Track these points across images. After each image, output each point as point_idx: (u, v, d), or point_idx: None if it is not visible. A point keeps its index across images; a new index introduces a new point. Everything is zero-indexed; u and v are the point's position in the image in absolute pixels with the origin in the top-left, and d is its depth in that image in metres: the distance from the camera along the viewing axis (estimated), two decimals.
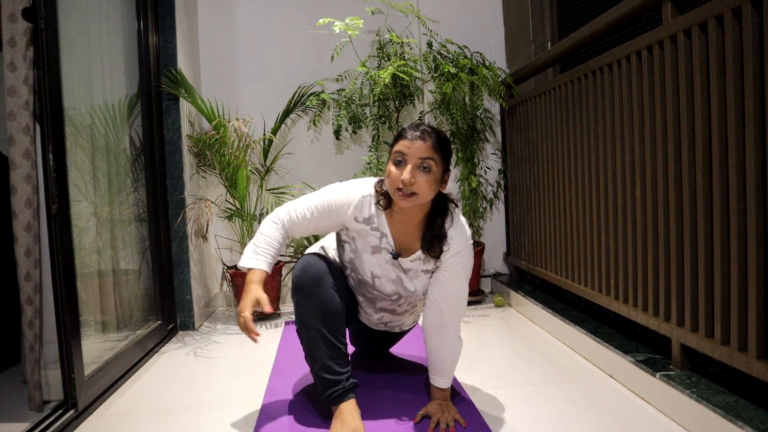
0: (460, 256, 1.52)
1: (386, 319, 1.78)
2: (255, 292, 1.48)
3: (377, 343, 2.00)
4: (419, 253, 1.55)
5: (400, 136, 1.43)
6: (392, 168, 1.42)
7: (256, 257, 1.55)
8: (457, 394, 1.74)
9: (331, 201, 1.54)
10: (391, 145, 1.46)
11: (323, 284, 1.51)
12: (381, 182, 1.54)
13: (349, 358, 1.61)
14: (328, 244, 1.77)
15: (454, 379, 1.86)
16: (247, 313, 1.46)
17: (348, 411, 1.50)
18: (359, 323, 1.85)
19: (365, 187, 1.54)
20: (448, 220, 1.52)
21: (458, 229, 1.52)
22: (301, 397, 1.76)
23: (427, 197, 1.43)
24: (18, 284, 1.57)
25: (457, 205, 1.55)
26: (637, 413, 1.56)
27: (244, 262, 1.55)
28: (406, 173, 1.38)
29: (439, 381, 1.59)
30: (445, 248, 1.51)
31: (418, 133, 1.40)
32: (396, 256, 1.56)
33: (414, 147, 1.39)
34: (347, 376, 1.53)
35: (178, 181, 2.67)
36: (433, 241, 1.50)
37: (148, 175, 2.52)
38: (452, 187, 3.22)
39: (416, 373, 1.93)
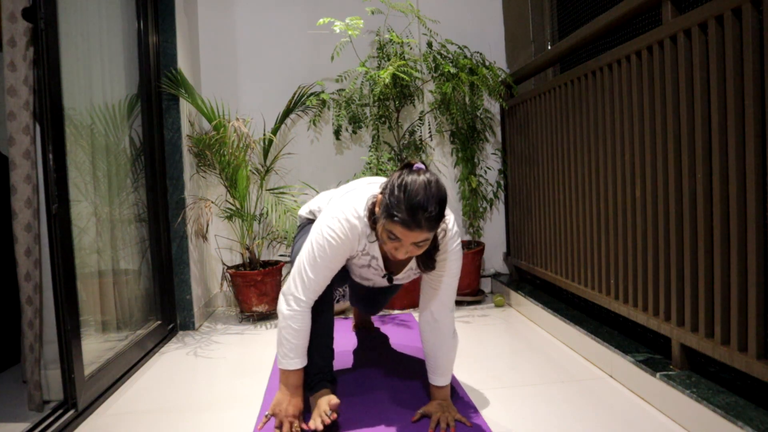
0: (448, 256, 1.52)
1: (376, 288, 1.84)
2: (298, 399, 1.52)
3: (375, 296, 2.04)
4: (411, 265, 1.60)
5: (394, 217, 1.31)
6: (385, 238, 1.37)
7: (289, 359, 1.51)
8: (456, 394, 1.74)
9: (336, 249, 1.47)
10: (384, 211, 1.34)
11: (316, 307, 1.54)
12: (372, 208, 1.45)
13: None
14: (316, 207, 1.77)
15: (454, 379, 1.86)
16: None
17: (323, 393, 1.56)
18: (353, 282, 1.86)
19: (356, 219, 1.47)
20: (439, 240, 1.49)
21: (449, 235, 1.51)
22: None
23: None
24: (18, 284, 1.57)
25: (445, 230, 1.51)
26: (637, 413, 1.56)
27: (282, 365, 1.52)
28: (401, 254, 1.37)
29: (437, 379, 1.59)
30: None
31: (414, 223, 1.30)
32: (390, 278, 1.62)
33: (410, 235, 1.32)
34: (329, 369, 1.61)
35: (178, 181, 2.67)
36: (427, 262, 1.49)
37: (148, 175, 2.52)
38: (452, 187, 3.22)
39: (416, 371, 1.93)
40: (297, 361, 1.50)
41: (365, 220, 1.46)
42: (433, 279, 1.54)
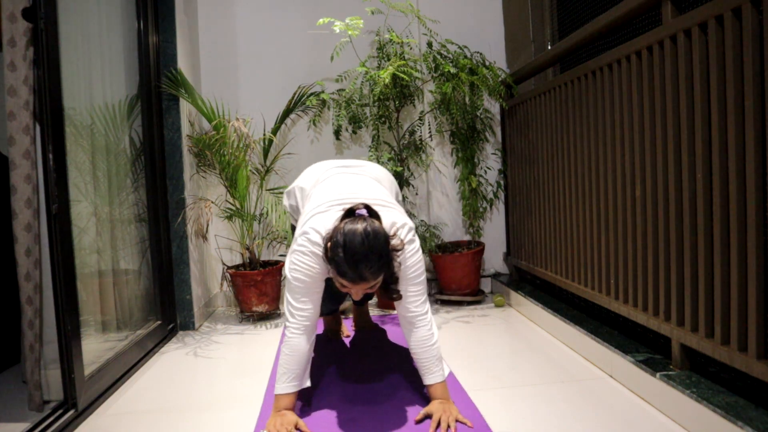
0: (410, 269, 1.57)
1: None
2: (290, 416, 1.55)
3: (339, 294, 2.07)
4: None
5: (340, 270, 1.41)
6: (338, 283, 1.46)
7: (279, 383, 1.57)
8: (457, 394, 1.74)
9: (309, 280, 1.53)
10: (332, 264, 1.43)
11: None
12: (326, 248, 1.47)
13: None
14: (294, 203, 1.88)
15: (454, 379, 1.86)
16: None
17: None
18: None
19: (320, 250, 1.50)
20: (396, 263, 1.52)
21: (405, 254, 1.55)
22: (301, 397, 1.76)
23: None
24: (18, 284, 1.57)
25: (399, 251, 1.52)
26: (637, 413, 1.56)
27: (278, 390, 1.57)
28: (356, 296, 1.49)
29: (427, 378, 1.61)
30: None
31: (359, 279, 1.40)
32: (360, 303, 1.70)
33: (356, 287, 1.44)
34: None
35: (178, 181, 2.67)
36: (388, 293, 1.56)
37: (148, 175, 2.52)
38: (452, 187, 3.22)
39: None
40: (284, 386, 1.56)
41: (320, 253, 1.52)
42: (401, 286, 1.59)
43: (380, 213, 1.52)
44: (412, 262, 1.57)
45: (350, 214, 1.48)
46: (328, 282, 1.67)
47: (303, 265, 1.52)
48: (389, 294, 1.56)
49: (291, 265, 1.54)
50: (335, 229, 1.44)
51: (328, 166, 1.88)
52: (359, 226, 1.41)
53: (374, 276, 1.42)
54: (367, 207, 1.50)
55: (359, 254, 1.38)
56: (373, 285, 1.45)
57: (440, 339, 2.32)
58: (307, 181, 1.86)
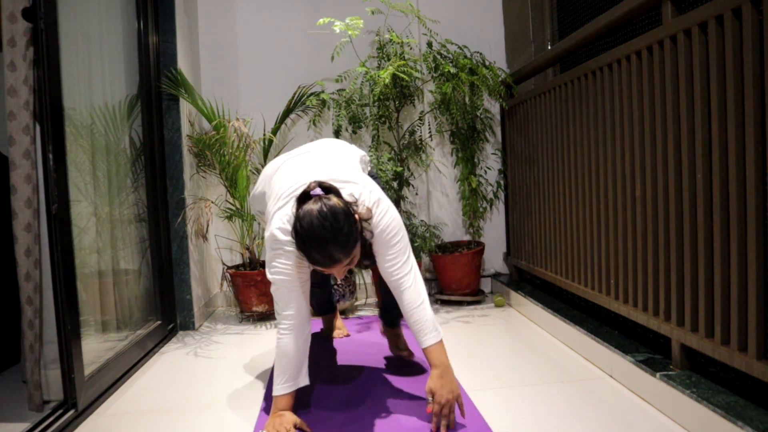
0: (384, 232, 1.53)
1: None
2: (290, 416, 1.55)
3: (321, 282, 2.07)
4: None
5: (311, 259, 1.39)
6: (316, 269, 1.45)
7: (275, 385, 1.57)
8: None
9: (288, 278, 1.52)
10: (301, 253, 1.41)
11: None
12: (297, 222, 1.42)
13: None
14: (260, 210, 1.86)
15: None
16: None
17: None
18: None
19: (290, 246, 1.47)
20: (367, 232, 1.49)
21: (375, 219, 1.51)
22: (301, 397, 1.76)
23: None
24: (18, 284, 1.57)
25: (368, 219, 1.48)
26: (637, 413, 1.56)
27: (275, 392, 1.57)
28: (338, 276, 1.47)
29: (423, 340, 1.54)
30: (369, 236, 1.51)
31: (331, 262, 1.37)
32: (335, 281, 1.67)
33: (333, 269, 1.42)
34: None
35: (178, 181, 2.67)
36: (362, 264, 1.56)
37: (148, 175, 2.52)
38: (452, 187, 3.22)
39: (419, 369, 1.93)
40: (279, 388, 1.55)
41: (290, 240, 1.47)
42: (379, 252, 1.56)
43: (338, 187, 1.47)
44: (385, 224, 1.52)
45: (305, 198, 1.42)
46: (315, 280, 1.69)
47: (279, 265, 1.51)
48: (360, 264, 1.53)
49: (269, 268, 1.53)
50: (294, 219, 1.41)
51: (278, 160, 1.80)
52: (314, 207, 1.36)
53: (346, 254, 1.38)
54: (322, 185, 1.44)
55: (322, 238, 1.34)
56: (351, 260, 1.42)
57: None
58: (263, 182, 1.81)
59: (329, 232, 1.34)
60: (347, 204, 1.41)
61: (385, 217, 1.52)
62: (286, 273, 1.51)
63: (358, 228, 1.42)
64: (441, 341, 1.56)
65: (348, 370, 2.01)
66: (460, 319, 2.67)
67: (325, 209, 1.36)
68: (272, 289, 1.56)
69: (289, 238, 1.46)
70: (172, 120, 2.67)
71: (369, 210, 1.48)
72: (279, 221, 1.50)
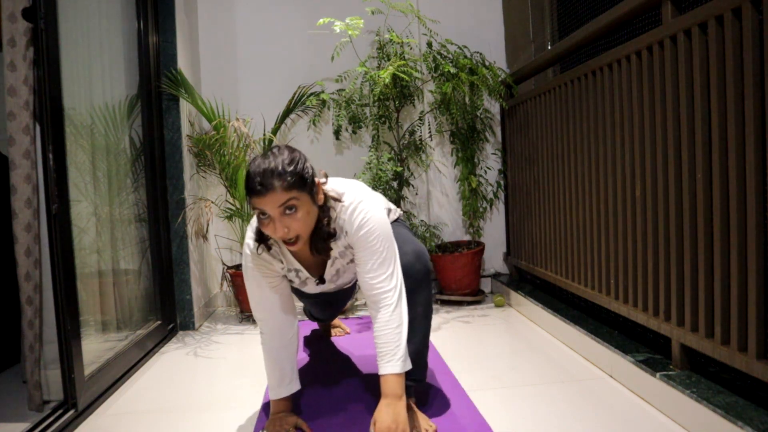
0: (363, 229, 1.40)
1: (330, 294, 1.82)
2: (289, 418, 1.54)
3: (331, 301, 2.01)
4: (335, 264, 1.56)
5: (249, 189, 1.27)
6: (260, 223, 1.32)
7: (274, 389, 1.56)
8: (457, 394, 1.74)
9: (260, 286, 1.52)
10: (247, 194, 1.30)
11: None
12: (259, 232, 1.43)
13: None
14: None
15: (454, 379, 1.86)
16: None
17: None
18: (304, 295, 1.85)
19: (250, 245, 1.47)
20: (333, 213, 1.42)
21: (350, 209, 1.41)
22: (301, 397, 1.76)
23: (309, 230, 1.35)
24: (18, 284, 1.57)
25: (338, 200, 1.42)
26: (637, 413, 1.56)
27: (272, 395, 1.56)
28: (278, 229, 1.28)
29: (384, 367, 1.40)
30: (342, 235, 1.45)
31: (263, 185, 1.25)
32: (320, 281, 1.59)
33: (267, 200, 1.26)
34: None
35: (178, 181, 2.67)
36: (318, 245, 1.42)
37: (148, 175, 2.52)
38: (452, 187, 3.22)
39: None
40: (273, 392, 1.55)
41: (255, 245, 1.46)
42: (358, 259, 1.45)
43: (323, 182, 1.42)
44: (363, 222, 1.40)
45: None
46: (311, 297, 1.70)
47: (248, 270, 1.50)
48: (319, 245, 1.41)
49: (245, 273, 1.53)
50: None
51: None
52: (272, 149, 1.33)
53: (282, 185, 1.25)
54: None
55: (263, 164, 1.27)
56: (288, 210, 1.28)
57: (439, 338, 2.33)
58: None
59: (270, 158, 1.28)
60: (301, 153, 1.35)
61: (365, 218, 1.40)
62: (255, 278, 1.51)
63: (310, 173, 1.32)
64: (403, 375, 1.41)
65: (348, 369, 2.01)
66: (460, 319, 2.67)
67: (281, 145, 1.35)
68: (251, 294, 1.55)
69: (255, 244, 1.47)
70: (172, 120, 2.67)
71: (339, 195, 1.42)
72: (250, 231, 1.50)
